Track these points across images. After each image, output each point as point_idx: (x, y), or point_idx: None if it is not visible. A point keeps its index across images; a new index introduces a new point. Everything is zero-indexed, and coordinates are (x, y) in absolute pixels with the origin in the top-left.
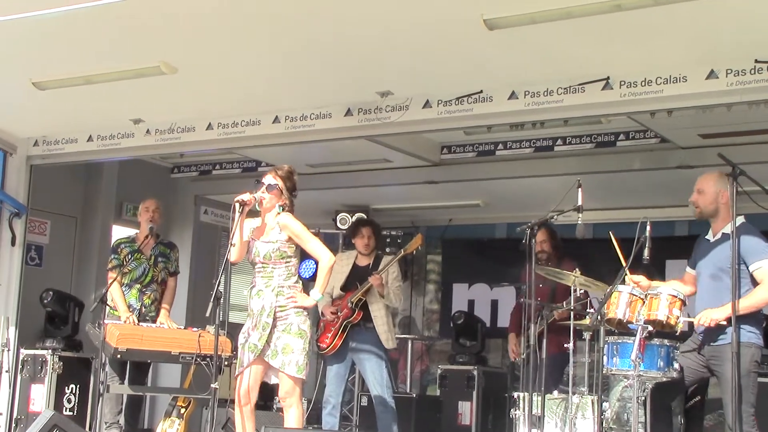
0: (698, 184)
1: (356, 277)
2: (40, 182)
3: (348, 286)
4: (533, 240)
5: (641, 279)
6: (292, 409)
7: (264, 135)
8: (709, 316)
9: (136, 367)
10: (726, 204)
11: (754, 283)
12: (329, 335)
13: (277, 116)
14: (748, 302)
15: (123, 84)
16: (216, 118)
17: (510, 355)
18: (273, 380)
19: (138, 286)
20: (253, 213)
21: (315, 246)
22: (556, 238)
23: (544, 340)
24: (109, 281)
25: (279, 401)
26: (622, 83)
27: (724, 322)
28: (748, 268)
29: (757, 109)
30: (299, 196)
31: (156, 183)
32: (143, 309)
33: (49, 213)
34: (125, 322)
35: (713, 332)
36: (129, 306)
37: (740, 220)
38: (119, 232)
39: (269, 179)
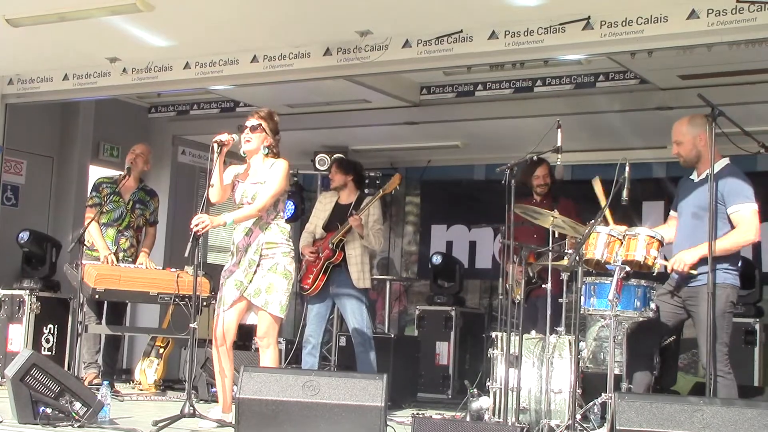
0: (674, 135)
1: (338, 216)
2: (15, 121)
3: (330, 226)
4: (512, 181)
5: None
6: (270, 350)
7: (242, 74)
8: (681, 260)
9: (113, 308)
10: (706, 146)
11: (732, 225)
12: (311, 276)
13: (255, 55)
14: (722, 244)
15: (99, 22)
16: (193, 57)
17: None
18: (249, 321)
19: (115, 228)
20: (238, 159)
21: (267, 196)
22: (554, 174)
23: (522, 282)
24: (87, 220)
25: (256, 341)
26: (603, 23)
27: (696, 266)
28: (726, 209)
29: (737, 50)
30: None
31: (133, 123)
32: (119, 253)
33: (25, 153)
34: (105, 259)
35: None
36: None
37: (725, 161)
38: (96, 172)
39: (251, 121)
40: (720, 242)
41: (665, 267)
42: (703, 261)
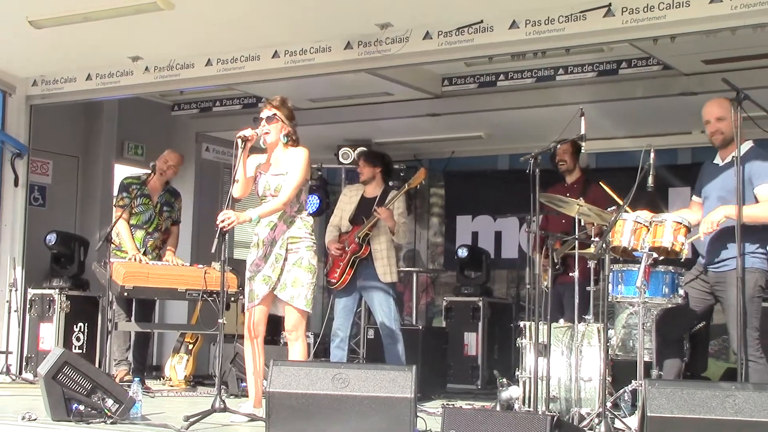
0: (717, 112)
1: (364, 209)
2: (40, 122)
3: (356, 220)
4: (537, 170)
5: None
6: (298, 343)
7: (264, 70)
8: (708, 219)
9: (142, 305)
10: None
11: None
12: (338, 270)
13: (276, 51)
14: (751, 211)
15: (120, 21)
16: (215, 54)
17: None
18: (281, 312)
19: (144, 230)
20: (259, 150)
21: (290, 188)
22: (579, 154)
23: (550, 270)
24: (115, 218)
25: (285, 335)
26: (624, 10)
27: (725, 219)
28: (753, 189)
29: (762, 33)
30: (301, 132)
31: (156, 121)
32: (147, 255)
33: (50, 153)
34: (132, 258)
35: (716, 255)
36: None
37: (749, 143)
38: (121, 170)
39: (266, 112)
40: (749, 208)
41: (692, 252)
42: (731, 246)
